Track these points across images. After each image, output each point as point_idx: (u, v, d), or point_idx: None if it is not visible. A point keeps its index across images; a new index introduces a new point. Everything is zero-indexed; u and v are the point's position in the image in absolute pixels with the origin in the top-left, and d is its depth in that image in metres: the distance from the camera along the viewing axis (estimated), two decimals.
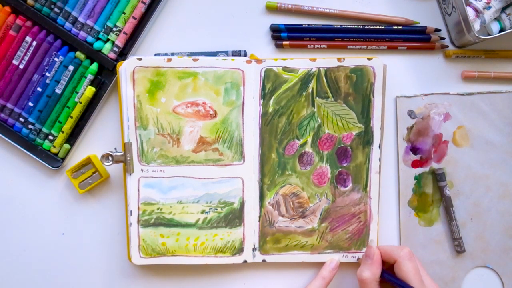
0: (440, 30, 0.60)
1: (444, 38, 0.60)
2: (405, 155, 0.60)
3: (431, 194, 0.60)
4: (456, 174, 0.60)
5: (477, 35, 0.55)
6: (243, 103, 0.58)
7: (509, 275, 0.60)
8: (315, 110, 0.58)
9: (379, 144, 0.58)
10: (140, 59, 0.57)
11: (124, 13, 0.58)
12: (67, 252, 0.62)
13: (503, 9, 0.57)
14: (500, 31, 0.56)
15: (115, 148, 0.59)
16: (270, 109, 0.58)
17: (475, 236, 0.60)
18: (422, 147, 0.60)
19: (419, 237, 0.60)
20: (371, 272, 0.54)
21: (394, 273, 0.54)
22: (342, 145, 0.58)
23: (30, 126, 0.60)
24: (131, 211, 0.58)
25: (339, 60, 0.57)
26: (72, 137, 0.60)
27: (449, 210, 0.59)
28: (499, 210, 0.60)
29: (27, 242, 0.62)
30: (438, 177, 0.59)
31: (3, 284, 0.62)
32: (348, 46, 0.59)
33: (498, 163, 0.60)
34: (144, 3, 0.58)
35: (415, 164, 0.60)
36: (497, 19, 0.57)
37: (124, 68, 0.57)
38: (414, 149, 0.60)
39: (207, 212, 0.59)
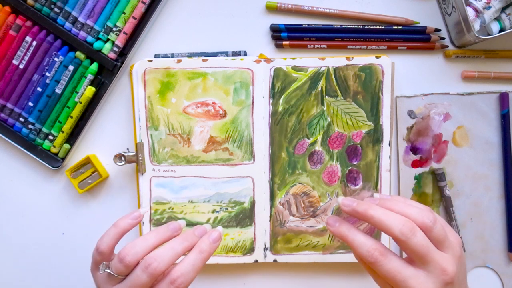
0: (440, 30, 0.59)
1: (444, 38, 0.60)
2: (405, 155, 0.60)
3: (431, 194, 0.60)
4: (456, 174, 0.60)
5: (477, 35, 0.55)
6: (253, 102, 0.58)
7: (509, 275, 0.60)
8: (325, 108, 0.58)
9: (389, 141, 0.58)
10: (150, 61, 0.57)
11: (124, 13, 0.58)
12: (67, 252, 0.62)
13: (503, 9, 0.57)
14: (500, 31, 0.56)
15: (127, 149, 0.60)
16: (280, 108, 0.58)
17: (475, 236, 0.60)
18: (422, 147, 0.60)
19: None
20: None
21: None
22: (352, 144, 0.58)
23: (30, 126, 0.60)
24: None
25: (347, 58, 0.57)
26: (72, 137, 0.60)
27: (449, 210, 0.59)
28: (499, 210, 0.60)
29: (27, 242, 0.62)
30: (438, 177, 0.59)
31: (3, 284, 0.62)
32: (348, 46, 0.59)
33: (498, 163, 0.60)
34: (144, 3, 0.58)
35: (415, 164, 0.60)
36: (497, 19, 0.57)
37: (136, 70, 0.57)
38: (414, 149, 0.60)
39: (217, 212, 0.59)
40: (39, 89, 0.59)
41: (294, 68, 0.58)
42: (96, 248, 0.47)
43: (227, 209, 0.59)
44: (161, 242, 0.46)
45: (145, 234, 0.46)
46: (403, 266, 0.42)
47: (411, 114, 0.60)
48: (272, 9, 0.60)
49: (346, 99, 0.58)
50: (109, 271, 0.45)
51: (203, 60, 0.58)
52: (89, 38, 0.58)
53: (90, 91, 0.59)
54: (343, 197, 0.45)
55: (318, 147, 0.59)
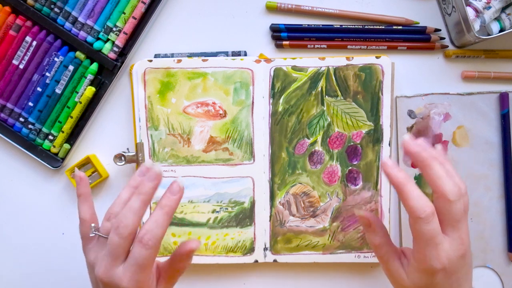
0: (440, 30, 0.60)
1: (444, 38, 0.60)
2: (405, 155, 0.60)
3: (431, 194, 0.60)
4: None
5: (477, 35, 0.55)
6: (253, 102, 0.58)
7: (509, 275, 0.60)
8: (325, 108, 0.58)
9: (389, 141, 0.58)
10: (150, 61, 0.57)
11: (124, 13, 0.58)
12: (67, 252, 0.62)
13: (503, 9, 0.57)
14: (500, 31, 0.56)
15: (127, 149, 0.60)
16: (280, 108, 0.58)
17: (475, 236, 0.60)
18: None
19: None
20: (379, 235, 0.47)
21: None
22: (352, 144, 0.58)
23: (30, 126, 0.60)
24: None
25: (347, 58, 0.57)
26: (72, 137, 0.60)
27: None
28: (499, 210, 0.60)
29: (27, 242, 0.62)
30: None
31: (3, 284, 0.62)
32: (348, 46, 0.59)
33: (498, 163, 0.60)
34: (144, 3, 0.58)
35: (415, 164, 0.60)
36: (497, 19, 0.57)
37: (136, 70, 0.57)
38: None
39: (217, 212, 0.59)
40: (39, 89, 0.59)
41: (294, 68, 0.58)
42: (79, 219, 0.48)
43: (227, 209, 0.59)
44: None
45: (121, 191, 0.45)
46: (439, 231, 0.43)
47: (411, 114, 0.60)
48: (272, 9, 0.60)
49: (346, 99, 0.58)
50: (98, 233, 0.45)
51: (203, 60, 0.58)
52: (89, 38, 0.58)
53: (90, 91, 0.59)
54: (408, 136, 0.44)
55: (318, 147, 0.59)
